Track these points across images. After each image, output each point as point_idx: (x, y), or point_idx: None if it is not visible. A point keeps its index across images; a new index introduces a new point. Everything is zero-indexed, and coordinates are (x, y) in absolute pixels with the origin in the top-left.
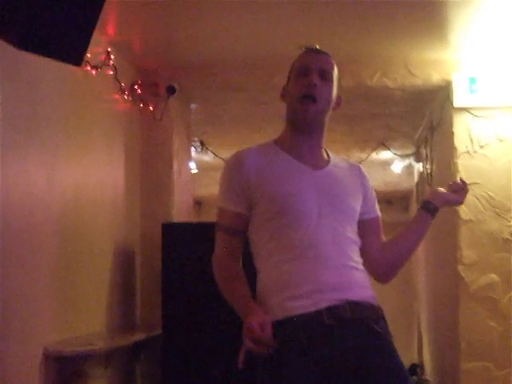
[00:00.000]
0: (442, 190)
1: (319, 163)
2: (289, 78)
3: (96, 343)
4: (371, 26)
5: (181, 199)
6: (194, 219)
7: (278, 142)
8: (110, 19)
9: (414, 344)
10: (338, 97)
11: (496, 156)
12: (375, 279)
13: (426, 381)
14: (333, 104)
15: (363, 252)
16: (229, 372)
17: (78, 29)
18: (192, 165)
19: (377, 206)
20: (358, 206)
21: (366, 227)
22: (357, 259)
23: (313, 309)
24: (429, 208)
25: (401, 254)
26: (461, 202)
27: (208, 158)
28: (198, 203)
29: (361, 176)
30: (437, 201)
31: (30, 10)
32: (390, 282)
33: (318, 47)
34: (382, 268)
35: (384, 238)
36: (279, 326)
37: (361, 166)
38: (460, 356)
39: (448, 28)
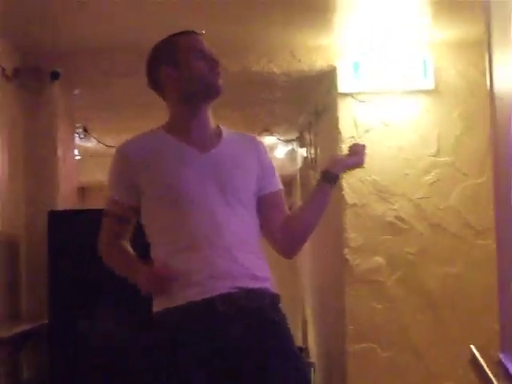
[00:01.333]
0: (339, 156)
1: (209, 143)
2: (176, 61)
3: None
4: (257, 12)
5: (65, 186)
6: (78, 206)
7: (166, 128)
8: None
9: (298, 329)
10: None
11: (381, 140)
12: (280, 255)
13: (311, 363)
14: None
15: (266, 228)
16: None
17: None
18: (75, 151)
19: (277, 179)
20: (252, 183)
21: (266, 202)
22: (253, 243)
23: (204, 296)
24: (328, 177)
25: (304, 228)
26: (361, 164)
27: (91, 144)
28: (82, 189)
29: (257, 149)
30: (336, 168)
31: None
32: (274, 267)
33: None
34: (286, 243)
35: (287, 212)
36: (171, 312)
37: (256, 138)
38: (346, 338)
39: (331, 13)
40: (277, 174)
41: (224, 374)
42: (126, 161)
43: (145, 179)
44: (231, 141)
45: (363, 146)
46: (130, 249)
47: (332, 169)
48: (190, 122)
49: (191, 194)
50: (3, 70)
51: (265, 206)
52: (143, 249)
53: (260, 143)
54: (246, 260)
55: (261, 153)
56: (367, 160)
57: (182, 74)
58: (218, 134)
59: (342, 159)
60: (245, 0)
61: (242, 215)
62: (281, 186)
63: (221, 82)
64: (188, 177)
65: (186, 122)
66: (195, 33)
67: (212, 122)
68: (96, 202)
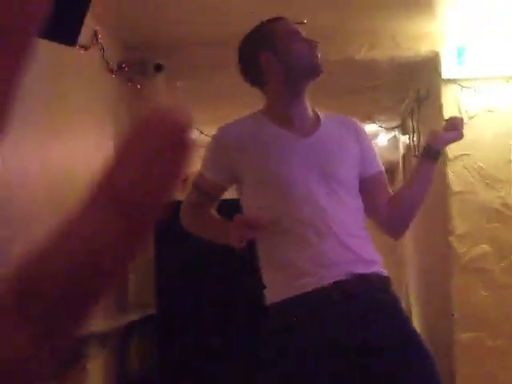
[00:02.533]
0: (439, 131)
1: (309, 128)
2: (274, 46)
3: (93, 324)
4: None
5: None
6: (180, 196)
7: (264, 112)
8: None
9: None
10: None
11: (485, 127)
12: (387, 235)
13: None
14: None
15: (371, 210)
16: (227, 340)
17: (72, 9)
18: None
19: (378, 161)
20: (354, 167)
21: (369, 184)
22: (359, 227)
23: (319, 285)
24: (430, 153)
25: (409, 206)
26: (460, 137)
27: (193, 135)
28: (184, 180)
29: (356, 132)
30: (437, 143)
31: None
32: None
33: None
34: (393, 223)
35: (390, 192)
36: (286, 305)
37: (354, 120)
38: (453, 327)
39: None
40: (377, 155)
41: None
42: (221, 144)
43: (244, 164)
44: (330, 124)
45: (461, 119)
46: (214, 213)
47: (433, 144)
48: (291, 107)
49: (294, 180)
50: (107, 63)
51: (368, 187)
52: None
53: (358, 125)
54: (355, 245)
55: (360, 134)
56: (473, 146)
57: (282, 57)
58: (317, 118)
59: (442, 134)
60: None
61: (345, 199)
62: (382, 168)
63: (320, 61)
64: (290, 162)
65: (286, 107)
66: (286, 19)
67: (309, 107)
68: None
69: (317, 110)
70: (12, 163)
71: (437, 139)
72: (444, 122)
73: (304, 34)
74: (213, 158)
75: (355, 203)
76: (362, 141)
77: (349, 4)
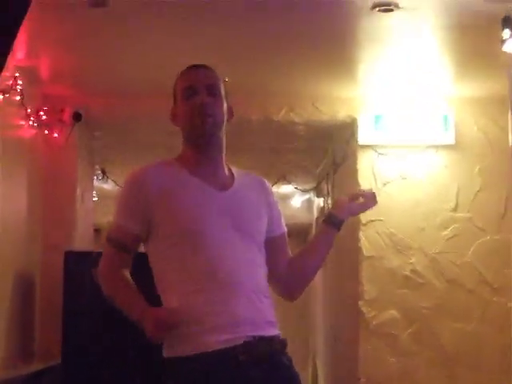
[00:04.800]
0: (344, 201)
1: (223, 183)
2: (175, 99)
3: None
4: (279, 61)
5: (83, 227)
6: (93, 246)
7: (179, 160)
8: (18, 44)
9: (308, 376)
10: (230, 107)
11: (399, 194)
12: (283, 297)
13: None
14: (226, 116)
15: (271, 270)
16: None
17: None
18: (93, 193)
19: (282, 222)
20: (264, 226)
21: (272, 245)
22: (264, 285)
23: (229, 344)
24: (333, 221)
25: (307, 271)
26: (364, 210)
27: (108, 186)
28: (97, 231)
29: (265, 191)
30: (341, 213)
31: None
32: (286, 314)
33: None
34: (289, 286)
35: (290, 254)
36: (192, 360)
37: (265, 180)
38: None
39: (355, 66)
40: (282, 215)
41: None
42: (142, 185)
43: (159, 213)
44: (243, 181)
45: (366, 193)
46: (132, 282)
47: (338, 213)
48: (201, 161)
49: (209, 234)
50: (26, 110)
51: (271, 247)
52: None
53: (268, 184)
54: (263, 304)
55: (269, 195)
56: (386, 212)
57: (177, 115)
58: (230, 173)
59: (347, 204)
60: (268, 48)
61: (256, 257)
62: (285, 229)
63: (206, 119)
64: (205, 215)
65: (197, 160)
66: (197, 66)
67: (224, 161)
68: None
69: (231, 166)
70: None
71: (341, 209)
72: (358, 187)
73: (205, 81)
74: (129, 204)
75: (262, 260)
76: (271, 201)
77: (270, 65)
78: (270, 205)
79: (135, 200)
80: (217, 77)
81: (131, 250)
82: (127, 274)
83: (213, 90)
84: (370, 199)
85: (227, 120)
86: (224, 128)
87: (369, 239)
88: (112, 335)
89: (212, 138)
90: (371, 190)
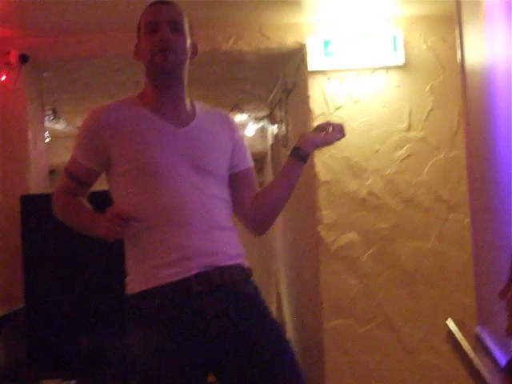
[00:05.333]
0: (310, 134)
1: (183, 119)
2: (138, 35)
3: None
4: None
5: (37, 170)
6: (48, 188)
7: (140, 98)
8: None
9: (272, 304)
10: (194, 44)
11: (351, 117)
12: (251, 231)
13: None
14: (189, 53)
15: (238, 205)
16: (96, 339)
17: None
18: (45, 134)
19: (249, 157)
20: (225, 160)
21: (238, 180)
22: (223, 217)
23: (181, 276)
24: (299, 155)
25: (274, 205)
26: (331, 142)
27: (60, 126)
28: (51, 172)
29: (230, 126)
30: (307, 146)
31: None
32: (248, 244)
33: None
34: (257, 220)
35: (257, 189)
36: (146, 295)
37: (229, 115)
38: (322, 314)
39: None
40: (248, 151)
41: (206, 354)
42: (99, 125)
43: (116, 150)
44: (205, 117)
45: (333, 124)
46: (87, 204)
47: (303, 146)
48: (161, 97)
49: (163, 170)
50: None
51: (236, 183)
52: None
53: (233, 120)
54: (218, 236)
55: (234, 130)
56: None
57: (140, 50)
58: (193, 109)
59: (312, 137)
60: None
61: (214, 192)
62: (252, 164)
63: (167, 57)
64: (161, 151)
65: (157, 97)
66: (161, 2)
67: (186, 98)
68: None
69: (195, 102)
70: None
71: (307, 142)
72: (310, 113)
73: (167, 16)
74: (86, 142)
75: (224, 196)
76: (236, 137)
77: None
78: (234, 140)
79: (92, 136)
80: (181, 13)
81: (87, 183)
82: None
83: (176, 26)
84: (338, 131)
85: (190, 58)
86: (187, 65)
87: (324, 164)
88: (74, 275)
89: (173, 74)
90: (332, 122)
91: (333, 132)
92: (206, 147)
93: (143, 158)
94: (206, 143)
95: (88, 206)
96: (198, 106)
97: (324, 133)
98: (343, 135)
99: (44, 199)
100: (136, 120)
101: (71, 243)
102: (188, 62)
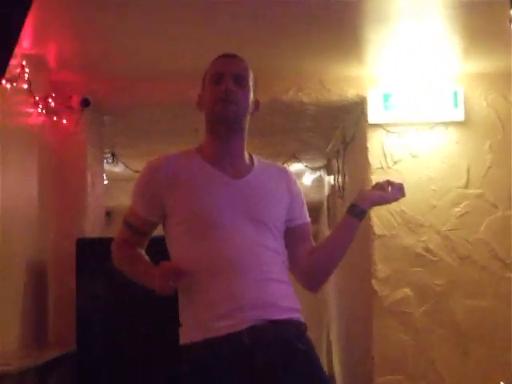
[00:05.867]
0: (367, 191)
1: (241, 171)
2: (203, 85)
3: (9, 362)
4: (287, 41)
5: (94, 213)
6: (104, 230)
7: (199, 150)
8: (24, 32)
9: (323, 356)
10: (256, 100)
11: (409, 172)
12: (305, 288)
13: None
14: (251, 109)
15: (293, 260)
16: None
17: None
18: (103, 177)
19: (305, 212)
20: (282, 214)
21: (294, 234)
22: (278, 270)
23: (234, 329)
24: (355, 212)
25: (330, 261)
26: (389, 201)
27: (118, 169)
28: (108, 214)
29: (287, 180)
30: (364, 203)
31: None
32: (299, 295)
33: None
34: (312, 276)
35: (313, 244)
36: (198, 347)
37: (289, 169)
38: (373, 369)
39: (363, 45)
40: (305, 206)
41: None
42: (156, 176)
43: (172, 200)
44: (263, 170)
45: (393, 184)
46: (144, 255)
47: (360, 203)
48: (219, 149)
49: (219, 220)
50: (34, 98)
51: (292, 237)
52: None
53: (291, 174)
54: (274, 289)
55: (291, 183)
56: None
57: (203, 100)
58: (251, 162)
59: (371, 194)
60: (276, 29)
61: (270, 244)
62: (308, 219)
63: (228, 107)
64: (217, 202)
65: (215, 148)
66: (229, 55)
67: (245, 151)
68: None
69: (253, 155)
70: None
71: (365, 199)
72: (368, 165)
73: (232, 70)
74: (143, 193)
75: (279, 249)
76: (293, 190)
77: (278, 46)
78: (292, 194)
79: (149, 187)
80: (247, 68)
81: (144, 233)
82: (141, 251)
83: (240, 80)
84: (397, 190)
85: (252, 113)
86: (247, 119)
87: (380, 218)
88: (126, 320)
89: (233, 125)
90: (391, 181)
91: (392, 191)
92: (263, 199)
93: (199, 209)
94: (263, 195)
95: (145, 258)
96: (256, 158)
97: (382, 191)
98: (402, 195)
99: (99, 243)
100: (193, 171)
101: (125, 288)
102: (249, 116)
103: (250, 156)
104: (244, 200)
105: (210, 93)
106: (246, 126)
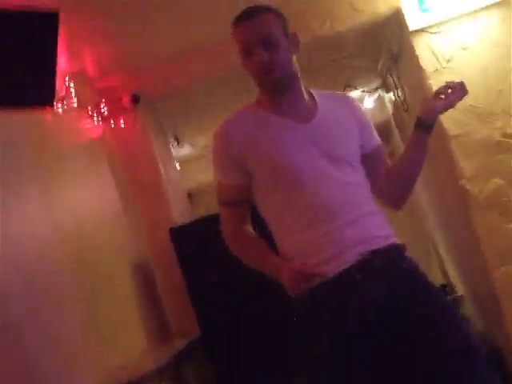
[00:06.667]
0: (431, 101)
1: (307, 114)
2: (240, 53)
3: (145, 363)
4: None
5: (176, 199)
6: (191, 213)
7: (259, 103)
8: (59, 52)
9: (434, 266)
10: (293, 38)
11: (464, 66)
12: (389, 207)
13: (460, 296)
14: (292, 52)
15: (373, 184)
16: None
17: (41, 71)
18: (175, 163)
19: (375, 134)
20: (356, 145)
21: (370, 159)
22: (368, 202)
23: (343, 267)
24: (423, 126)
25: (408, 178)
26: (454, 104)
27: (186, 150)
28: (189, 196)
29: (352, 108)
30: (429, 116)
31: None
32: (392, 216)
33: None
34: (393, 196)
35: (389, 165)
36: (310, 295)
37: (350, 96)
38: (487, 265)
39: None
40: (373, 128)
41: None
42: (228, 141)
43: (252, 160)
44: (327, 106)
45: (451, 85)
46: (255, 236)
47: (425, 117)
48: (279, 100)
49: (301, 169)
50: (87, 110)
51: (369, 163)
52: (260, 228)
53: (353, 100)
54: (368, 223)
55: (356, 110)
56: None
57: (246, 66)
58: (313, 100)
59: (433, 104)
60: None
61: (353, 179)
62: (380, 141)
63: (272, 77)
64: (295, 151)
65: (275, 100)
66: (244, 19)
67: (303, 91)
68: (205, 206)
69: (312, 91)
70: (18, 227)
71: (428, 111)
72: (423, 72)
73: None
74: (223, 163)
75: (362, 179)
76: (359, 116)
77: None
78: (359, 120)
79: (227, 154)
80: (268, 23)
81: (242, 201)
82: (249, 228)
83: (269, 42)
84: (459, 90)
85: (295, 52)
86: (294, 63)
87: (451, 119)
88: (237, 295)
89: (283, 83)
90: (460, 82)
91: (453, 92)
92: (336, 136)
93: (280, 162)
94: (335, 132)
95: (258, 240)
96: (316, 94)
97: (444, 96)
98: (465, 93)
99: (192, 227)
100: (262, 126)
101: (230, 266)
102: (294, 59)
103: (310, 93)
104: (320, 142)
105: (250, 66)
106: (296, 69)
